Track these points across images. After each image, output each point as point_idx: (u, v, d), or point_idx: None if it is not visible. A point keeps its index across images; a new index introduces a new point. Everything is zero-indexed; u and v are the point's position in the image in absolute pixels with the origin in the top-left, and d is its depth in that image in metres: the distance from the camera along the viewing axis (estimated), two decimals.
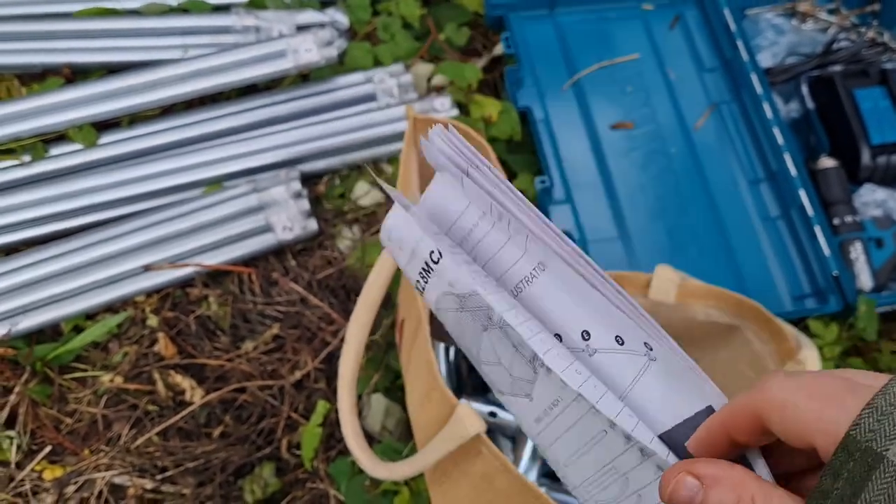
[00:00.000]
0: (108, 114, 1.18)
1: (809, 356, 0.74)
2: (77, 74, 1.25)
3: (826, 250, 1.07)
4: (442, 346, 0.94)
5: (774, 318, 0.78)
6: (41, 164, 1.17)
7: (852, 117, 1.15)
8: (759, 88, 1.17)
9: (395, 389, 1.02)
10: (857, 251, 1.09)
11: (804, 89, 1.22)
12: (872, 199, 1.14)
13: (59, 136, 1.19)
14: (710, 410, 0.40)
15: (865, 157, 1.13)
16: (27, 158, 1.17)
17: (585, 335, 0.40)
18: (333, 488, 0.96)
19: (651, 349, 0.41)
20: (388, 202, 1.18)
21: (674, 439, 0.40)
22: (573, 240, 1.06)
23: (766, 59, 1.27)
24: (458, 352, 0.97)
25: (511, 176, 1.16)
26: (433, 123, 0.82)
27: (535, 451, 0.85)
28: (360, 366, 0.77)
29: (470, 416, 0.63)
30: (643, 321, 0.41)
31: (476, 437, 0.63)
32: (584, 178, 1.14)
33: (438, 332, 0.89)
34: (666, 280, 0.79)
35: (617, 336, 0.40)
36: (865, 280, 1.08)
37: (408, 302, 0.81)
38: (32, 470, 1.01)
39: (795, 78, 1.24)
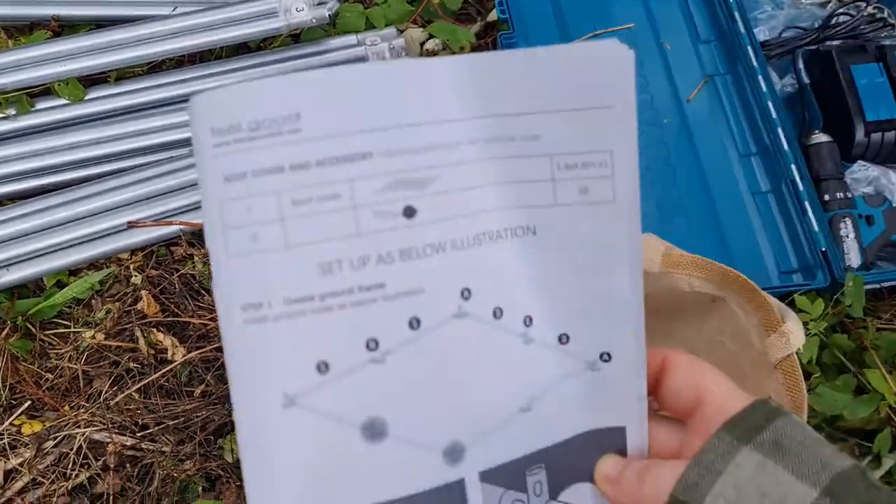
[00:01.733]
0: (95, 68, 1.16)
1: (794, 328, 0.73)
2: (64, 28, 1.23)
3: (815, 226, 1.06)
4: None
5: (759, 290, 0.77)
6: (26, 118, 1.15)
7: (848, 93, 1.13)
8: (754, 61, 1.15)
9: None
10: (846, 228, 1.09)
11: (800, 64, 1.20)
12: (864, 176, 1.13)
13: (44, 90, 1.17)
14: (616, 433, 0.41)
15: (859, 133, 1.12)
16: (12, 112, 1.15)
17: (528, 321, 0.40)
18: None
19: (606, 360, 0.41)
20: None
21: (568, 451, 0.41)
22: None
23: (762, 33, 1.25)
24: None
25: None
26: None
27: None
28: None
29: None
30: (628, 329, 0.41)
31: None
32: None
33: None
34: (651, 249, 0.78)
35: (563, 334, 0.40)
36: (854, 257, 1.08)
37: None
38: (11, 424, 1.01)
39: (792, 52, 1.22)
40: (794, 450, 0.34)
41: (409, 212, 0.35)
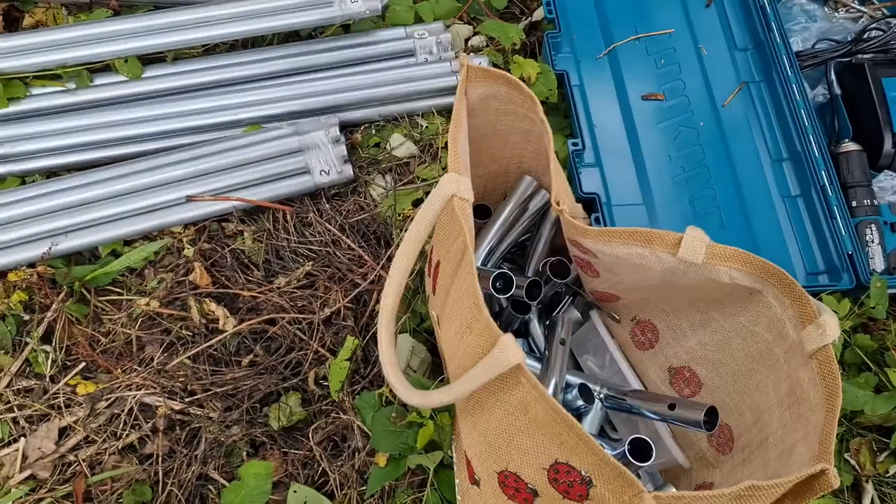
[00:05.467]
0: (153, 48, 1.21)
1: (829, 321, 0.77)
2: (123, 7, 1.27)
3: (843, 230, 1.10)
4: None
5: (797, 284, 0.81)
6: (86, 93, 1.19)
7: (878, 105, 1.18)
8: (789, 70, 1.20)
9: (420, 332, 1.06)
10: (872, 233, 1.13)
11: (832, 75, 1.25)
12: (890, 185, 1.18)
13: (104, 67, 1.21)
14: None
15: (888, 144, 1.17)
16: (72, 86, 1.20)
17: None
18: (358, 419, 1.00)
19: None
20: (422, 155, 1.21)
21: None
22: (600, 203, 1.10)
23: (796, 44, 1.30)
24: (489, 298, 1.01)
25: None
26: (487, 73, 0.85)
27: (556, 392, 0.89)
28: (400, 299, 0.81)
29: (512, 346, 0.67)
30: None
31: (517, 366, 0.67)
32: (613, 144, 1.17)
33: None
34: (696, 240, 0.82)
35: None
36: (878, 262, 1.12)
37: (447, 244, 0.85)
38: (66, 384, 1.05)
39: (824, 63, 1.27)
40: None
41: None
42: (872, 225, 1.14)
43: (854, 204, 1.15)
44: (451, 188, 0.76)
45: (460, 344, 0.76)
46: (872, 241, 1.13)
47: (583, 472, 0.66)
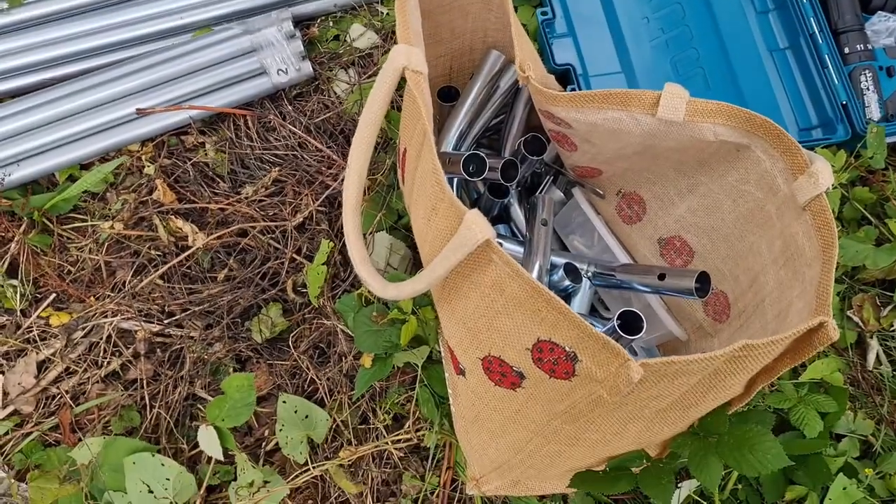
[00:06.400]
0: None
1: (822, 168, 0.72)
2: None
3: (835, 78, 1.04)
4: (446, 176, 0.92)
5: (785, 133, 0.76)
6: (20, 11, 1.12)
7: None
8: None
9: (398, 229, 1.02)
10: (867, 80, 1.06)
11: None
12: (885, 27, 1.10)
13: None
14: None
15: None
16: (5, 6, 1.12)
17: None
18: (341, 323, 0.97)
19: None
20: (385, 44, 1.14)
21: None
22: (575, 74, 1.04)
23: None
24: (461, 184, 0.96)
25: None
26: None
27: (540, 275, 0.85)
28: (363, 190, 0.76)
29: (479, 222, 0.62)
30: None
31: (486, 243, 0.62)
32: (586, 11, 1.09)
33: (444, 165, 0.87)
34: (675, 97, 0.76)
35: None
36: (874, 110, 1.06)
37: (410, 128, 0.79)
38: (39, 317, 1.01)
39: None
40: None
41: None
42: (867, 71, 1.07)
43: (847, 51, 1.08)
44: (401, 60, 0.69)
45: (428, 228, 0.71)
46: (868, 89, 1.06)
47: (567, 348, 0.62)
